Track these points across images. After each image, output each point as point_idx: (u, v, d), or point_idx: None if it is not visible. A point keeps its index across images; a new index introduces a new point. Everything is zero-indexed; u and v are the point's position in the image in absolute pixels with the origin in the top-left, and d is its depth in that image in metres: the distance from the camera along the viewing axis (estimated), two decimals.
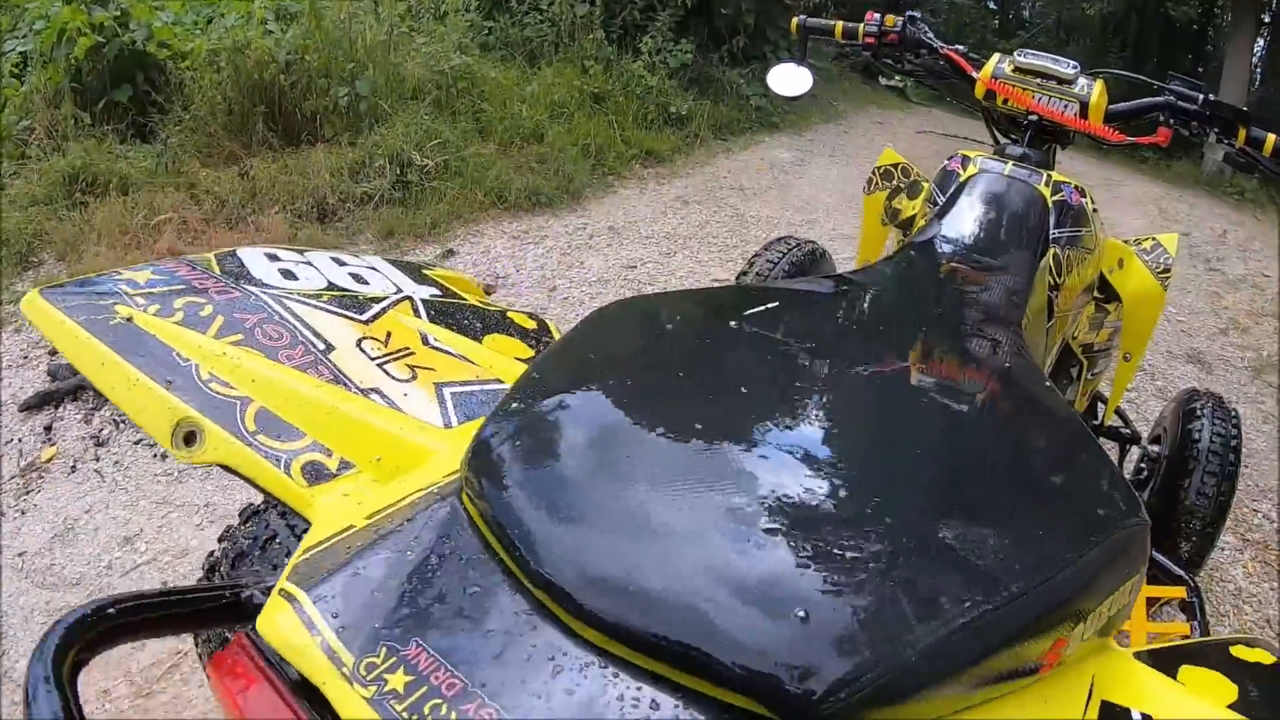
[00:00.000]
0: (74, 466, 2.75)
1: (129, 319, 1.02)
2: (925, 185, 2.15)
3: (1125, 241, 2.08)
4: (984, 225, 1.66)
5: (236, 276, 1.16)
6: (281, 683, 0.75)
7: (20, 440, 2.85)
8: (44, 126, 4.63)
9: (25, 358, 3.25)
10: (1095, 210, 1.84)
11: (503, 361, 1.16)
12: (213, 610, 0.85)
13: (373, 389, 1.03)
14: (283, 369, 1.01)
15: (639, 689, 0.66)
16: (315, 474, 0.93)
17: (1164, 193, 8.44)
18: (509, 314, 1.32)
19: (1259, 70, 15.34)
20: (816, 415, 0.95)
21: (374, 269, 1.30)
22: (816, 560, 0.71)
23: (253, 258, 1.22)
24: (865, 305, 1.34)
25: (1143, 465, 2.53)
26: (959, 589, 0.72)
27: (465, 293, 1.37)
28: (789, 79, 2.34)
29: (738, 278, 2.87)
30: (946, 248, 1.60)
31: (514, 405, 0.89)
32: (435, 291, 1.29)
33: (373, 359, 1.07)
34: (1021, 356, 1.23)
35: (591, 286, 4.17)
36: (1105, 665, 0.83)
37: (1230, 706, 0.80)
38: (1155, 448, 2.42)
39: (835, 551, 0.72)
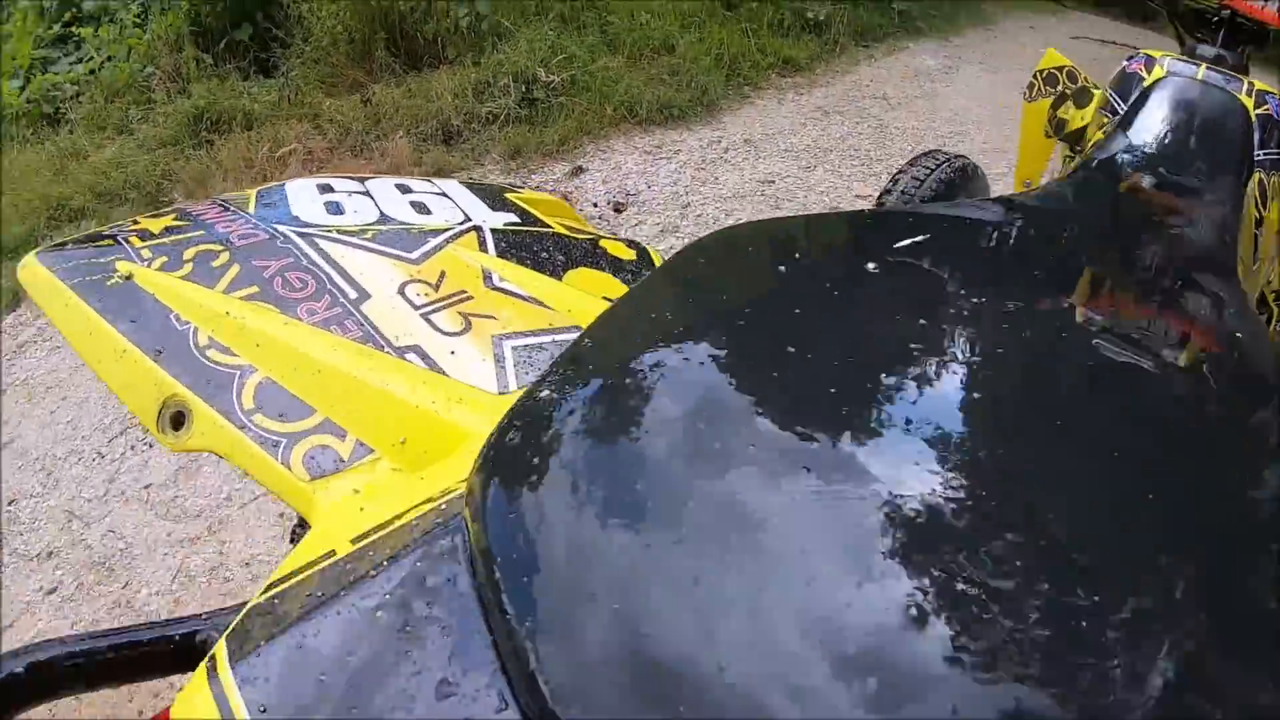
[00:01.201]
0: None
1: (129, 277, 0.86)
2: (1097, 92, 1.92)
3: None
4: (1177, 141, 1.40)
5: (271, 216, 0.98)
6: None
7: None
8: (167, 71, 4.63)
9: None
10: None
11: (587, 303, 0.93)
12: (159, 656, 0.65)
13: (411, 347, 0.82)
14: (298, 327, 0.82)
15: None
16: (321, 463, 0.74)
17: None
18: (602, 242, 1.09)
19: None
20: (997, 401, 0.68)
21: (443, 195, 1.10)
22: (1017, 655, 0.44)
23: (298, 191, 1.05)
24: (1042, 238, 1.06)
25: None
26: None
27: (555, 217, 1.15)
28: None
29: (880, 197, 2.62)
30: (1133, 167, 1.34)
31: (560, 376, 0.64)
32: (513, 219, 1.07)
33: (417, 307, 0.87)
34: (1247, 316, 0.95)
35: (726, 203, 3.90)
36: None
37: None
38: None
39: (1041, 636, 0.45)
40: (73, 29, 5.08)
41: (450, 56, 4.72)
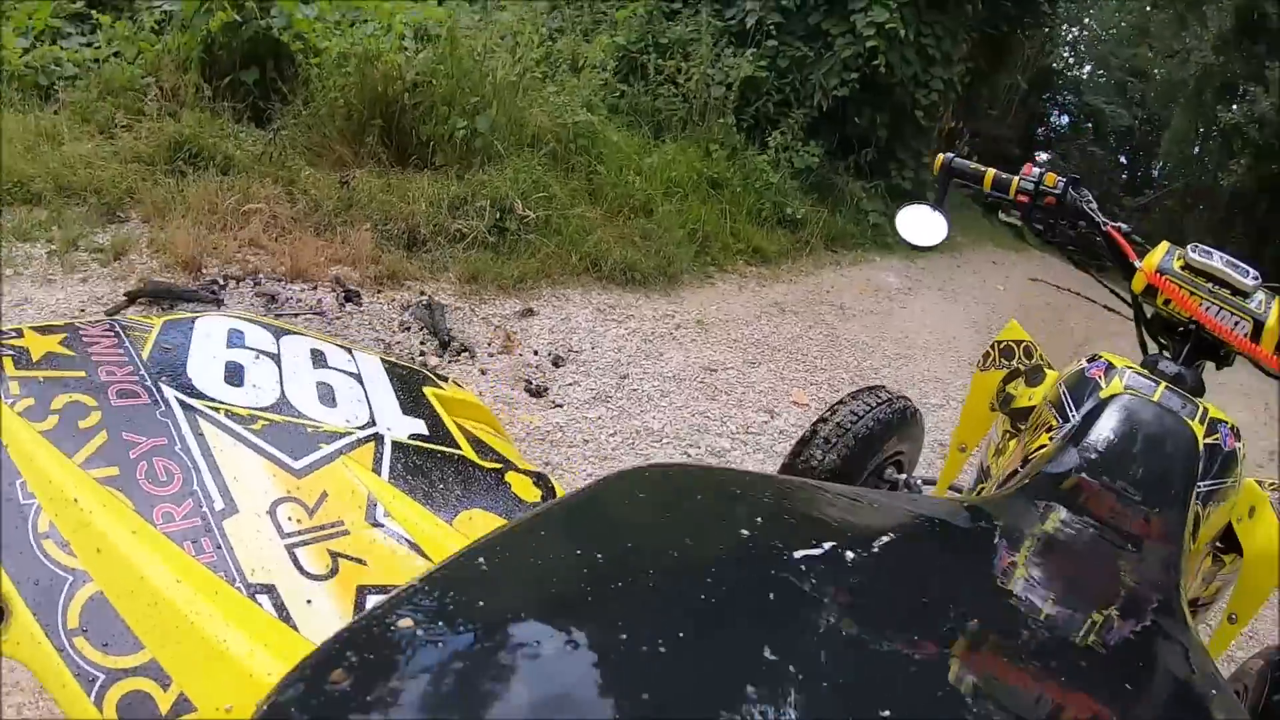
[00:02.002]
0: None
1: None
2: (1050, 374, 1.91)
3: (1261, 485, 1.76)
4: (1129, 467, 1.35)
5: (164, 368, 0.88)
6: None
7: None
8: (166, 88, 4.63)
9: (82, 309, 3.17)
10: (1244, 455, 1.56)
11: None
12: None
13: (265, 587, 0.73)
14: (147, 537, 0.72)
15: None
16: (138, 712, 0.64)
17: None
18: (508, 475, 1.00)
19: None
20: None
21: (357, 379, 1.01)
22: None
23: (205, 335, 0.95)
24: (984, 553, 1.00)
25: None
26: None
27: (472, 425, 1.08)
28: (921, 225, 2.06)
29: (814, 425, 2.64)
30: (1087, 488, 1.29)
31: (367, 635, 0.52)
32: (420, 429, 0.99)
33: (284, 535, 0.78)
34: (1193, 656, 0.93)
35: (665, 383, 3.94)
36: None
37: None
38: None
39: None
40: (94, 10, 5.04)
41: (438, 163, 4.77)
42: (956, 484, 2.82)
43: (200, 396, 0.87)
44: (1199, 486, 1.40)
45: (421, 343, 3.63)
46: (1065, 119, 22.36)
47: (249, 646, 0.68)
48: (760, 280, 5.31)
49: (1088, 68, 23.59)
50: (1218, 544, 1.71)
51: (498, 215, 4.44)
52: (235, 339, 0.96)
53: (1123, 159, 21.86)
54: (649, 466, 0.84)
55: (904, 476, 2.85)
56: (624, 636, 0.58)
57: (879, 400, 2.66)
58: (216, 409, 0.86)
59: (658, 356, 4.12)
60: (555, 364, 3.79)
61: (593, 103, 5.74)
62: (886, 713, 0.59)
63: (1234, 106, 15.17)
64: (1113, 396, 1.48)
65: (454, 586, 0.57)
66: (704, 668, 0.58)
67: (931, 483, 2.94)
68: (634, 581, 0.65)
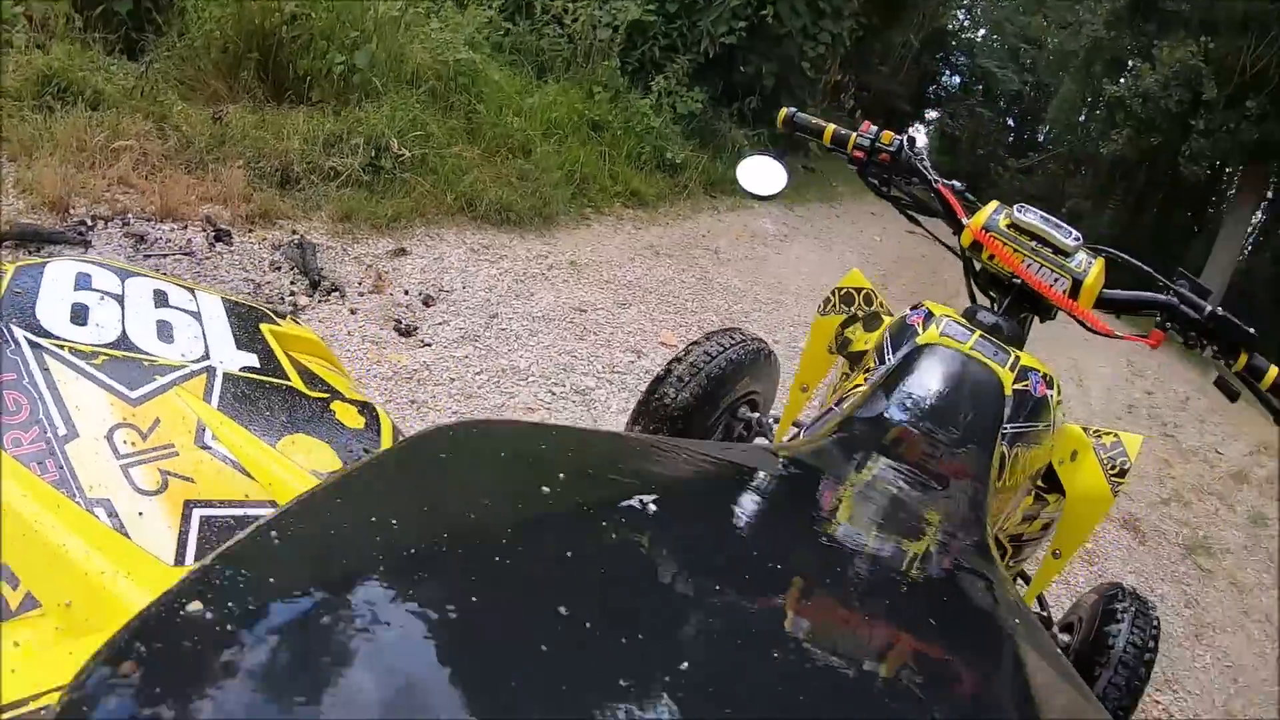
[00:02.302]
0: None
1: None
2: (885, 321, 1.97)
3: (1086, 430, 1.91)
4: (936, 410, 1.43)
5: (15, 310, 0.97)
6: None
7: None
8: (36, 17, 4.49)
9: None
10: (1059, 401, 1.66)
11: (292, 477, 0.93)
12: None
13: (101, 501, 0.83)
14: None
15: None
16: None
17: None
18: (334, 404, 1.10)
19: (1251, 242, 15.61)
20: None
21: (196, 317, 1.10)
22: None
23: (55, 280, 1.03)
24: (798, 501, 1.06)
25: None
26: None
27: (306, 359, 1.17)
28: (761, 175, 2.17)
29: (668, 365, 2.77)
30: (898, 433, 1.36)
31: (210, 579, 0.54)
32: (252, 362, 1.08)
33: (120, 456, 0.87)
34: (998, 588, 0.99)
35: (534, 322, 4.06)
36: None
37: None
38: (1066, 637, 2.29)
39: None
40: None
41: (314, 99, 4.75)
42: (799, 421, 2.98)
43: (47, 335, 0.95)
44: (1005, 429, 1.47)
45: (292, 282, 3.67)
46: (956, 79, 22.85)
47: (86, 551, 0.78)
48: (636, 223, 5.43)
49: (982, 31, 24.09)
50: (1040, 484, 1.82)
51: (373, 153, 4.47)
52: (83, 282, 1.05)
53: (1010, 122, 22.49)
54: (453, 425, 0.85)
55: (757, 415, 3.00)
56: (418, 606, 0.58)
57: (733, 341, 2.77)
58: (61, 346, 0.95)
59: (529, 296, 4.23)
60: (426, 303, 3.87)
61: (476, 40, 5.73)
62: (686, 664, 0.61)
63: (1120, 80, 15.67)
64: (927, 344, 1.56)
65: (245, 564, 0.56)
66: (504, 631, 0.59)
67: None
68: (432, 547, 0.64)
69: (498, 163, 5.00)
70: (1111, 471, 1.84)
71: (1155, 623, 2.18)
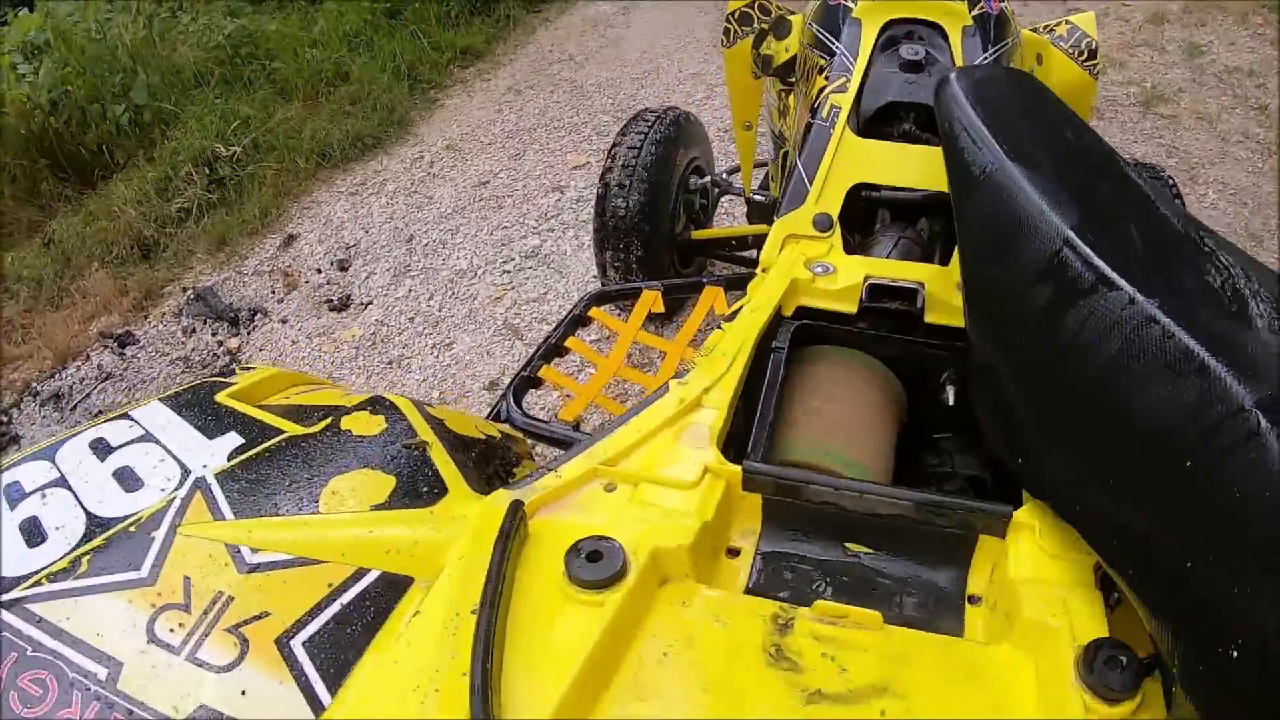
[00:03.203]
0: None
1: None
2: (794, 18, 1.92)
3: (1036, 30, 1.85)
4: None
5: None
6: None
7: None
8: None
9: None
10: (1011, 11, 1.61)
11: (358, 531, 0.78)
12: None
13: (195, 715, 0.67)
14: None
15: None
16: None
17: None
18: (342, 423, 0.92)
19: None
20: None
21: (148, 438, 0.90)
22: None
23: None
24: None
25: None
26: None
27: (281, 399, 1.01)
28: None
29: (603, 175, 2.61)
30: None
31: None
32: (236, 442, 0.90)
33: (178, 650, 0.70)
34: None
35: (449, 220, 3.85)
36: None
37: None
38: None
39: None
40: None
41: (121, 161, 4.44)
42: (759, 158, 2.83)
43: (16, 584, 0.76)
44: (985, 55, 1.45)
45: (214, 334, 3.47)
46: None
47: None
48: (483, 77, 5.12)
49: None
50: None
51: (207, 170, 4.18)
52: (14, 493, 0.84)
53: None
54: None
55: (708, 178, 2.86)
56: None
57: (648, 124, 2.65)
58: (38, 582, 0.76)
59: (430, 202, 4.01)
60: (342, 269, 3.68)
61: (234, 7, 5.35)
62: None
63: None
64: (868, 12, 1.49)
65: None
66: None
67: (736, 170, 2.95)
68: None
69: (324, 102, 4.67)
70: (1081, 58, 1.83)
71: (1170, 182, 2.20)
